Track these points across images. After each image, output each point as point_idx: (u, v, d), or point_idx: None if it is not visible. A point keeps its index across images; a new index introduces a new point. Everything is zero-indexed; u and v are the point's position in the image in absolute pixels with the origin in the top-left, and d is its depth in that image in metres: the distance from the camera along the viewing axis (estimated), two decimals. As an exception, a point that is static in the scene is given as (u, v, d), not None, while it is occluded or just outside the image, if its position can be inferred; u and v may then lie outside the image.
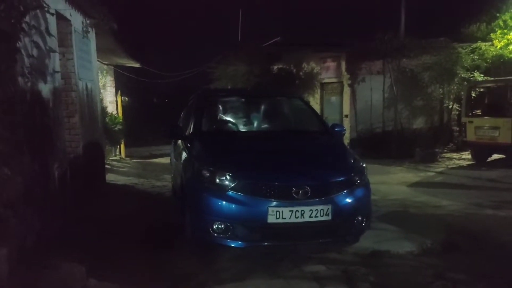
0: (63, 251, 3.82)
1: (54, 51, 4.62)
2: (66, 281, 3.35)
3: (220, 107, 5.20)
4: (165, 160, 11.93)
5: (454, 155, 11.61)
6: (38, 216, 3.90)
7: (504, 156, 10.14)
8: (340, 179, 3.87)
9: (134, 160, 12.79)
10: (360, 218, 3.93)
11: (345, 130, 5.20)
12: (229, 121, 5.02)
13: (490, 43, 12.81)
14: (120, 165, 11.15)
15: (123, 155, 13.08)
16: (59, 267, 3.48)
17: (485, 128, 9.71)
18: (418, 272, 3.69)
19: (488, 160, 10.33)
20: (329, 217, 3.66)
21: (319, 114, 13.13)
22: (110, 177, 8.46)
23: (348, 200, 3.81)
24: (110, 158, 11.63)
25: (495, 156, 10.40)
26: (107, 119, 10.78)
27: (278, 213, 3.56)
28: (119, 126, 11.42)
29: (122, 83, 15.05)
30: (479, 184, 7.76)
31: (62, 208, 4.59)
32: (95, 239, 4.41)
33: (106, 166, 9.01)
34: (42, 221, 3.95)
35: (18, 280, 3.19)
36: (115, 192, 7.35)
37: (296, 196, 3.61)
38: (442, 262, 3.89)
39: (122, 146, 13.09)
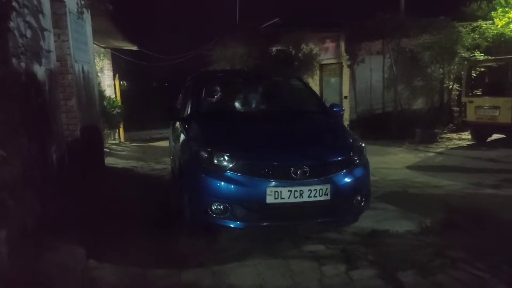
0: (63, 233, 3.83)
1: (48, 31, 4.54)
2: (66, 262, 3.37)
3: (218, 88, 5.14)
4: (165, 143, 11.91)
5: (454, 135, 11.58)
6: (37, 198, 3.88)
7: (504, 136, 10.12)
8: (339, 158, 3.85)
9: (134, 144, 12.77)
10: (359, 198, 3.93)
11: (343, 110, 5.16)
12: (227, 102, 4.98)
13: (491, 21, 12.64)
14: (119, 148, 11.13)
15: (122, 139, 13.05)
16: (59, 249, 3.50)
17: (485, 107, 9.66)
18: (417, 250, 3.70)
19: (488, 140, 10.32)
20: (328, 197, 3.65)
21: (319, 95, 13.14)
22: (109, 161, 8.45)
23: (347, 179, 3.80)
24: (109, 141, 11.60)
25: (495, 136, 10.39)
26: (105, 103, 10.70)
27: (276, 193, 3.55)
28: (117, 110, 11.35)
29: (120, 67, 14.93)
30: (479, 164, 7.74)
31: (61, 190, 4.57)
32: (94, 222, 4.42)
33: (105, 149, 8.99)
34: (41, 204, 3.94)
35: (18, 262, 3.20)
36: (114, 175, 7.35)
37: (294, 176, 3.60)
38: (441, 240, 3.90)
39: (121, 129, 13.05)
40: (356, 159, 3.94)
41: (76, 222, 4.22)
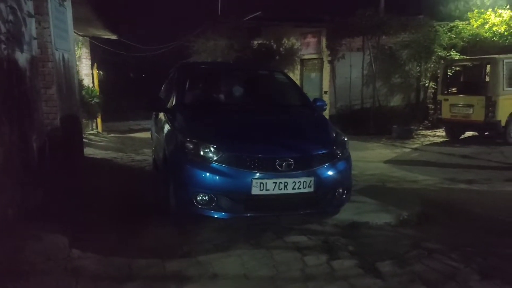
0: (45, 223, 3.80)
1: (31, 16, 4.45)
2: (49, 251, 3.35)
3: (203, 79, 5.15)
4: (144, 134, 11.82)
5: (429, 132, 11.90)
6: (18, 187, 3.83)
7: (477, 133, 10.46)
8: (323, 152, 3.93)
9: (112, 135, 12.61)
10: (341, 191, 4.03)
11: (326, 105, 5.25)
12: (212, 94, 4.99)
13: (467, 22, 13.00)
14: (98, 139, 10.97)
15: (100, 129, 12.86)
16: (42, 238, 3.48)
17: (460, 106, 9.96)
18: (395, 242, 3.83)
19: (461, 137, 10.64)
20: (312, 189, 3.74)
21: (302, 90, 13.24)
22: (88, 151, 8.34)
23: (330, 172, 3.89)
24: (87, 132, 11.42)
25: (468, 134, 10.72)
26: (83, 92, 10.52)
27: (262, 184, 3.61)
28: (96, 100, 11.16)
29: (99, 56, 14.64)
30: (453, 160, 8.00)
31: (42, 180, 4.51)
32: (76, 212, 4.39)
33: (84, 140, 8.85)
34: (22, 193, 3.89)
35: (0, 251, 3.17)
36: (94, 166, 7.26)
37: (279, 168, 3.66)
38: (418, 232, 4.04)
39: (99, 120, 12.86)
40: (339, 153, 4.04)
41: (57, 212, 4.18)
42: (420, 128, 12.33)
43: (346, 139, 4.27)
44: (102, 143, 10.29)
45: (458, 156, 8.37)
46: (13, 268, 3.05)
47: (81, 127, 7.92)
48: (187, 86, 4.78)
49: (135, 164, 7.57)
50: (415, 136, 11.12)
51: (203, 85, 5.12)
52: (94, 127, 12.56)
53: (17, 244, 3.30)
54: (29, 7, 4.49)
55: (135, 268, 3.33)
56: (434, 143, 10.30)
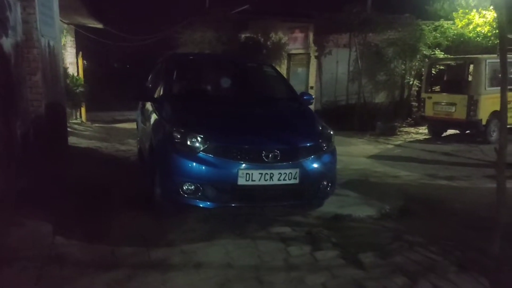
0: (29, 210, 3.77)
1: (14, 4, 4.38)
2: (33, 238, 3.35)
3: (192, 70, 5.14)
4: (129, 125, 11.72)
5: (412, 129, 12.09)
6: (1, 174, 3.79)
7: (458, 132, 10.67)
8: (308, 144, 3.98)
9: (96, 125, 12.48)
10: (325, 183, 4.09)
11: (313, 98, 5.30)
12: (201, 85, 5.00)
13: (452, 21, 13.19)
14: (82, 128, 10.86)
15: (84, 119, 12.71)
16: (25, 224, 3.46)
17: (443, 104, 10.13)
18: (377, 234, 3.91)
19: (443, 135, 10.84)
20: (297, 181, 3.78)
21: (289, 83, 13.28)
22: (72, 140, 8.25)
23: (315, 165, 3.94)
24: (71, 121, 11.28)
25: (450, 132, 10.92)
26: (68, 81, 10.38)
27: (248, 175, 3.65)
28: (80, 89, 11.04)
29: (84, 45, 14.44)
30: (435, 157, 8.16)
31: (26, 167, 4.46)
32: (60, 199, 4.36)
33: (68, 129, 8.75)
34: (5, 180, 3.85)
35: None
36: (78, 154, 7.20)
37: (266, 160, 3.70)
38: (399, 226, 4.13)
39: (83, 109, 12.70)
40: (325, 146, 4.09)
41: (41, 199, 4.15)
42: (404, 125, 12.52)
43: (332, 132, 4.33)
44: (86, 133, 10.19)
45: (440, 153, 8.54)
46: (-5, 254, 3.03)
47: (65, 115, 7.82)
48: (175, 77, 4.77)
49: (119, 154, 7.53)
50: (398, 133, 11.29)
51: (191, 76, 5.11)
52: (78, 116, 12.41)
53: (0, 231, 3.28)
54: (14, -10, 4.42)
55: (119, 255, 3.34)
56: (416, 140, 10.48)
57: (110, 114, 15.82)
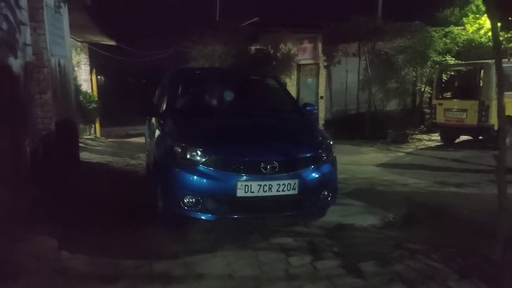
0: (36, 225, 3.87)
1: (25, 25, 4.56)
2: (38, 253, 3.43)
3: (194, 85, 5.26)
4: (141, 139, 11.88)
5: (425, 136, 11.99)
6: (9, 190, 3.92)
7: (471, 138, 10.54)
8: (307, 155, 4.02)
9: (109, 139, 12.73)
10: (326, 193, 4.11)
11: (316, 109, 5.35)
12: (202, 99, 5.09)
13: (462, 27, 13.11)
14: (95, 143, 11.09)
15: (98, 134, 12.98)
16: (31, 239, 3.55)
17: (454, 110, 10.05)
18: (379, 243, 3.90)
19: (455, 142, 10.72)
20: (296, 191, 3.82)
21: (296, 95, 13.39)
22: (84, 156, 8.44)
23: (315, 175, 3.98)
24: (85, 137, 11.54)
25: (462, 138, 10.80)
26: (81, 98, 10.65)
27: (246, 187, 3.70)
28: (93, 105, 11.29)
29: (97, 62, 14.82)
30: (445, 164, 8.08)
31: (33, 183, 4.60)
32: (67, 214, 4.46)
33: (81, 144, 8.96)
34: (13, 196, 3.98)
35: (-10, 251, 3.25)
36: (89, 170, 7.35)
37: (264, 171, 3.75)
38: (402, 234, 4.11)
39: (97, 125, 12.98)
40: (324, 156, 4.12)
41: (48, 214, 4.26)
42: (416, 132, 12.42)
43: (332, 142, 4.36)
44: (98, 148, 10.40)
45: (451, 160, 8.45)
46: (2, 269, 3.12)
47: (77, 132, 8.03)
48: (178, 92, 4.88)
49: (129, 168, 7.66)
50: (410, 141, 11.20)
51: (194, 91, 5.23)
52: (92, 132, 12.67)
53: (6, 245, 3.38)
54: (24, 15, 4.60)
55: (122, 268, 3.40)
56: (428, 147, 10.39)
57: (123, 128, 16.11)
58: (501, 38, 11.94)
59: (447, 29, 12.90)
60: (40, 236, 3.64)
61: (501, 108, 3.27)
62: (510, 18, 2.94)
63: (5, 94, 4.02)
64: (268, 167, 3.75)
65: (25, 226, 3.75)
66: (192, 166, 3.79)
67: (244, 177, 3.73)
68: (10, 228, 3.63)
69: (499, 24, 3.11)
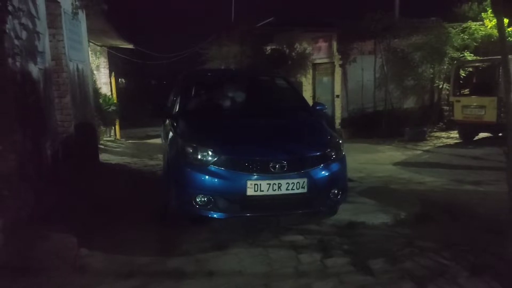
0: (56, 224, 4.04)
1: (42, 34, 4.75)
2: (58, 250, 3.59)
3: (205, 87, 5.37)
4: (159, 140, 12.10)
5: (443, 134, 11.82)
6: (31, 191, 4.10)
7: (490, 135, 10.35)
8: (316, 154, 4.08)
9: (129, 141, 12.96)
10: (335, 191, 4.16)
11: (326, 108, 5.38)
12: (213, 100, 5.20)
13: (481, 22, 12.86)
14: (115, 145, 11.33)
15: (118, 136, 13.23)
16: (52, 237, 3.72)
17: (472, 107, 9.89)
18: (389, 240, 3.92)
19: (475, 139, 10.54)
20: (305, 190, 3.88)
21: (312, 94, 13.37)
22: (104, 157, 8.66)
23: (324, 173, 4.03)
24: (105, 139, 11.80)
25: (482, 135, 10.61)
26: (100, 100, 10.90)
27: (256, 186, 3.79)
28: (113, 107, 11.55)
29: (116, 65, 15.12)
30: (464, 161, 7.97)
31: (54, 184, 4.78)
32: (86, 214, 4.63)
33: (100, 146, 9.19)
34: (35, 197, 4.16)
35: (12, 250, 3.42)
36: (108, 171, 7.55)
37: (273, 170, 3.83)
38: (413, 231, 4.13)
39: (117, 127, 13.24)
40: (333, 154, 4.17)
41: (68, 214, 4.43)
42: (434, 130, 12.26)
43: (341, 141, 4.40)
44: (118, 149, 10.62)
45: (469, 157, 8.33)
46: (24, 265, 3.29)
47: (96, 134, 8.25)
48: (190, 93, 5.01)
49: (147, 169, 7.83)
50: (428, 138, 11.07)
51: (205, 92, 5.33)
52: (111, 134, 12.94)
53: (28, 243, 3.55)
54: (42, 23, 4.80)
55: (137, 265, 3.54)
56: (446, 144, 10.26)
57: (143, 130, 16.34)
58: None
59: (465, 25, 12.66)
60: (60, 234, 3.79)
61: (509, 105, 3.27)
62: (516, 14, 2.92)
63: (27, 99, 4.21)
64: (277, 166, 3.83)
65: (46, 225, 3.92)
66: (203, 166, 3.89)
67: (254, 177, 3.81)
68: (32, 226, 3.80)
69: (506, 20, 3.10)
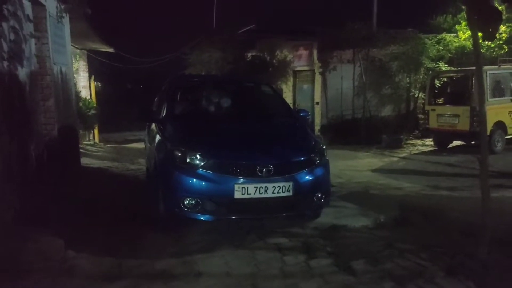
0: (42, 226, 4.03)
1: (30, 36, 4.74)
2: (45, 252, 3.59)
3: (192, 91, 5.45)
4: (139, 145, 12.05)
5: (418, 141, 12.17)
6: (16, 193, 4.08)
7: (464, 143, 10.74)
8: (301, 159, 4.22)
9: (108, 145, 12.88)
10: (319, 195, 4.30)
11: (309, 114, 5.55)
12: (200, 105, 5.27)
13: (455, 34, 13.35)
14: (94, 149, 11.24)
15: (97, 140, 13.12)
16: (38, 240, 3.71)
17: (446, 116, 10.24)
18: (370, 243, 4.08)
19: (449, 146, 10.91)
20: (290, 193, 4.01)
21: (292, 101, 13.55)
22: (84, 161, 8.59)
23: (308, 178, 4.17)
24: (84, 142, 11.68)
25: (456, 143, 10.99)
26: (80, 104, 10.80)
27: (243, 189, 3.89)
28: (92, 111, 11.45)
29: (96, 68, 15.00)
30: (439, 168, 8.26)
31: (39, 187, 4.76)
32: (72, 217, 4.62)
33: (81, 150, 9.10)
34: (20, 199, 4.14)
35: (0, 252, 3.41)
36: (90, 174, 7.52)
37: (260, 174, 3.95)
38: (392, 234, 4.28)
39: (96, 131, 13.13)
40: (317, 160, 4.32)
41: (54, 216, 4.42)
42: (410, 137, 12.60)
43: (324, 147, 4.55)
44: (98, 153, 10.55)
45: (444, 164, 8.63)
46: (11, 268, 3.29)
47: (78, 138, 8.19)
48: (177, 98, 5.08)
49: (129, 173, 7.83)
50: (404, 146, 11.38)
51: (192, 97, 5.42)
52: (91, 138, 12.82)
53: (15, 246, 3.54)
54: (29, 26, 4.79)
55: (125, 267, 3.58)
56: (422, 152, 10.58)
57: (122, 134, 16.25)
58: (492, 45, 12.19)
59: (440, 36, 13.13)
60: (47, 237, 3.79)
61: (482, 114, 3.48)
62: (490, 30, 3.13)
63: (13, 102, 4.20)
64: (264, 170, 3.95)
65: (32, 227, 3.91)
66: (191, 170, 3.98)
67: (241, 180, 3.92)
68: (19, 229, 3.79)
69: (480, 34, 3.31)
